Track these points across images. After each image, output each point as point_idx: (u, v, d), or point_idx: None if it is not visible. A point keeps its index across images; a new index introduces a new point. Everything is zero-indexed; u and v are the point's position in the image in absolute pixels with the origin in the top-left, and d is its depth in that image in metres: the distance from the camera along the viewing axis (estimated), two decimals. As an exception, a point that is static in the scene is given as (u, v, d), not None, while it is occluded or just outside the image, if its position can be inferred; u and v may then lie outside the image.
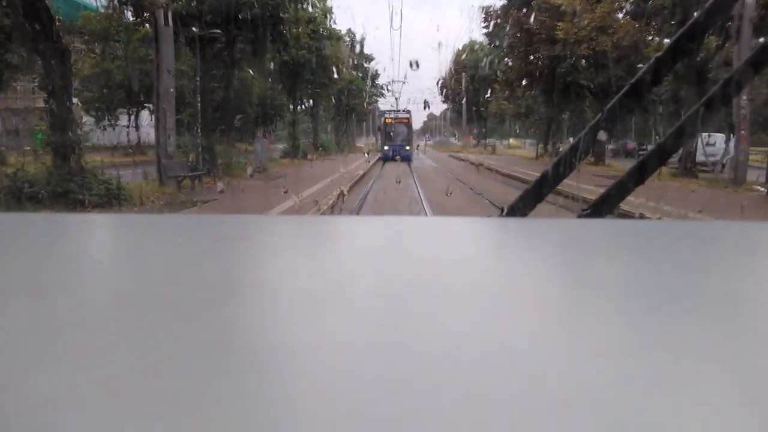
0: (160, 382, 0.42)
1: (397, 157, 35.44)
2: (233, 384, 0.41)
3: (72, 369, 0.44)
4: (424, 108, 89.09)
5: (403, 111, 42.53)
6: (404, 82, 47.93)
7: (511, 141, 65.35)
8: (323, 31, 34.61)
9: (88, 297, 0.64)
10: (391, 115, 41.29)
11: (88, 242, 1.09)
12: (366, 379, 0.43)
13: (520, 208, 1.47)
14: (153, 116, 21.73)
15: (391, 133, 39.49)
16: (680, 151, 18.02)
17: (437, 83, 62.83)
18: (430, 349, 0.48)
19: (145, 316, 0.57)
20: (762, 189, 16.80)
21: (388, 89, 53.06)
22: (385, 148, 39.37)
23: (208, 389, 0.40)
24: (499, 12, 36.27)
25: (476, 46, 53.10)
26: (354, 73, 50.63)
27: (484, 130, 64.47)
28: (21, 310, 0.59)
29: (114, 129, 33.64)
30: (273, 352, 0.49)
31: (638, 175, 1.43)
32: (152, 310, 0.59)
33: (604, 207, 1.45)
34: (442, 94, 65.29)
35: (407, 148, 39.09)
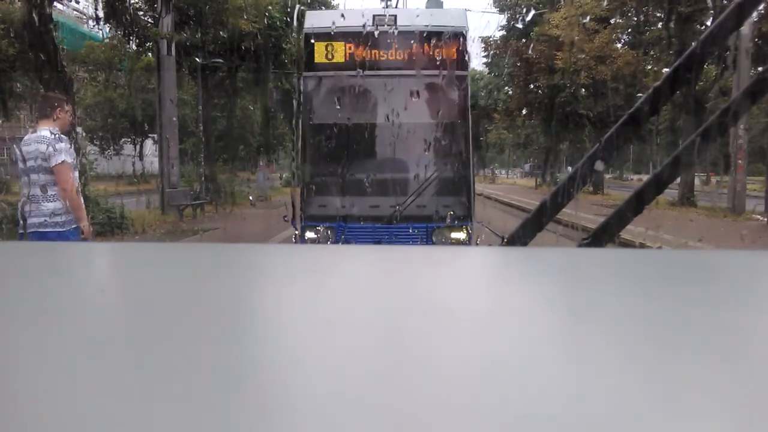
0: (159, 408, 0.42)
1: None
2: (231, 409, 0.41)
3: (71, 396, 0.44)
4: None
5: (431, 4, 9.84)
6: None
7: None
8: (324, 62, 34.75)
9: (89, 325, 0.65)
10: (381, 17, 6.38)
11: (89, 270, 1.09)
12: (365, 408, 0.43)
13: (520, 237, 1.47)
14: (157, 145, 21.87)
15: (375, 139, 6.61)
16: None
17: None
18: (430, 378, 0.49)
19: (146, 344, 0.57)
20: (762, 218, 16.77)
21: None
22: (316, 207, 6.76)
23: (206, 414, 0.40)
24: (498, 42, 36.61)
25: (476, 75, 53.42)
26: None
27: (483, 159, 64.66)
28: (21, 338, 0.59)
29: (120, 158, 33.81)
30: (271, 379, 0.49)
31: (636, 205, 1.43)
32: (153, 338, 0.59)
33: (604, 236, 1.45)
34: (442, 124, 65.28)
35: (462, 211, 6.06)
